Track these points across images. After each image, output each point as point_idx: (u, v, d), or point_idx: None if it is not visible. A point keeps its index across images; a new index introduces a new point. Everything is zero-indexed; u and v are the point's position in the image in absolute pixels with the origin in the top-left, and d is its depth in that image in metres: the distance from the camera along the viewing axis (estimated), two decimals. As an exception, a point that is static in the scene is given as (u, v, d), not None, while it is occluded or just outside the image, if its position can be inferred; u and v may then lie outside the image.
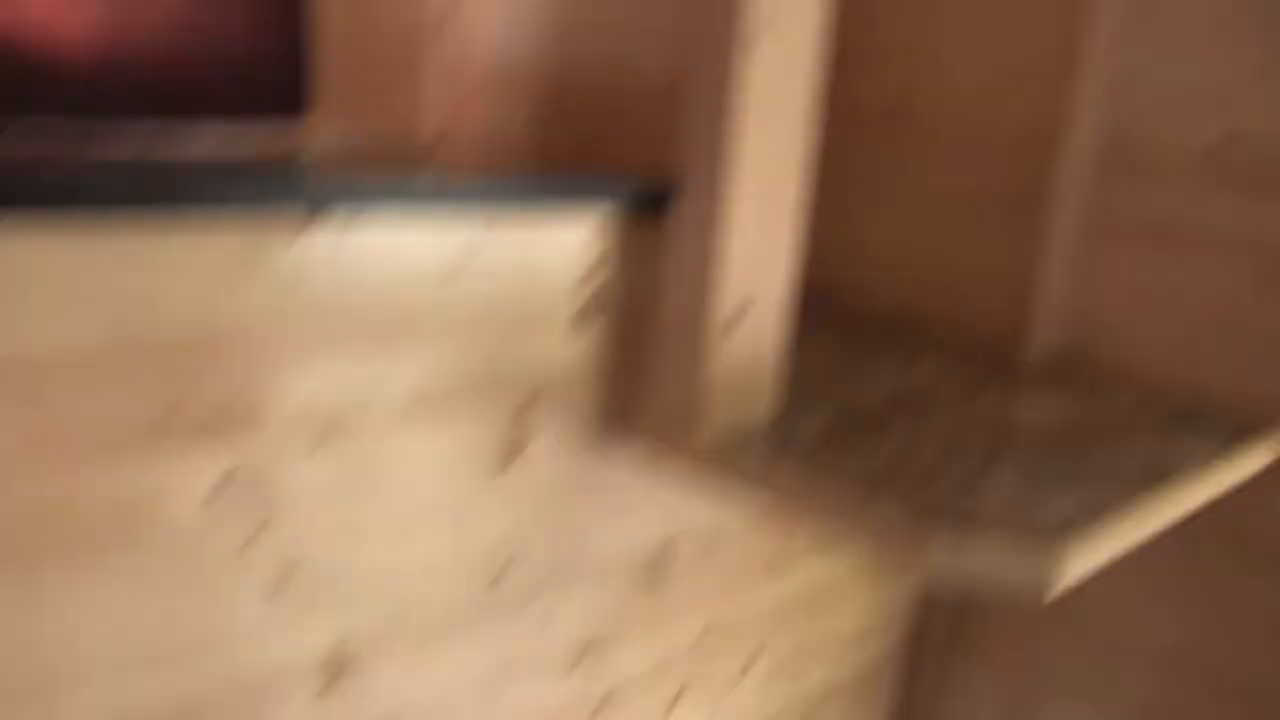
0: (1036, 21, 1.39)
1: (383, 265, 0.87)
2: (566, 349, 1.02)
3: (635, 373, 1.07)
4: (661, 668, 1.29)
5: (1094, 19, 1.34)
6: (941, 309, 1.51)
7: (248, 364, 0.81)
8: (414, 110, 1.50)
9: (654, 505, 1.18)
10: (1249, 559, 1.34)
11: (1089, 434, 1.13)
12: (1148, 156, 1.35)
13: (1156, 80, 1.34)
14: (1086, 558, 0.85)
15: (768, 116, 0.95)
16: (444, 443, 0.95)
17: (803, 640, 1.51)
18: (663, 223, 1.01)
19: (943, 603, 1.76)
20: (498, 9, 1.51)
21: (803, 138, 0.99)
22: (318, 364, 0.85)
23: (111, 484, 0.76)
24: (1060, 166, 1.38)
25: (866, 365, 1.31)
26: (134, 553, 0.79)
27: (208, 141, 1.31)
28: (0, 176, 0.68)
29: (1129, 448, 1.10)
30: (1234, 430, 1.20)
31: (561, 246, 1.00)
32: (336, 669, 0.96)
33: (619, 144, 1.40)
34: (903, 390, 1.21)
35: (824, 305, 1.60)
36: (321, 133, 1.41)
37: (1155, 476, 1.01)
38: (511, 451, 1.01)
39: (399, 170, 1.14)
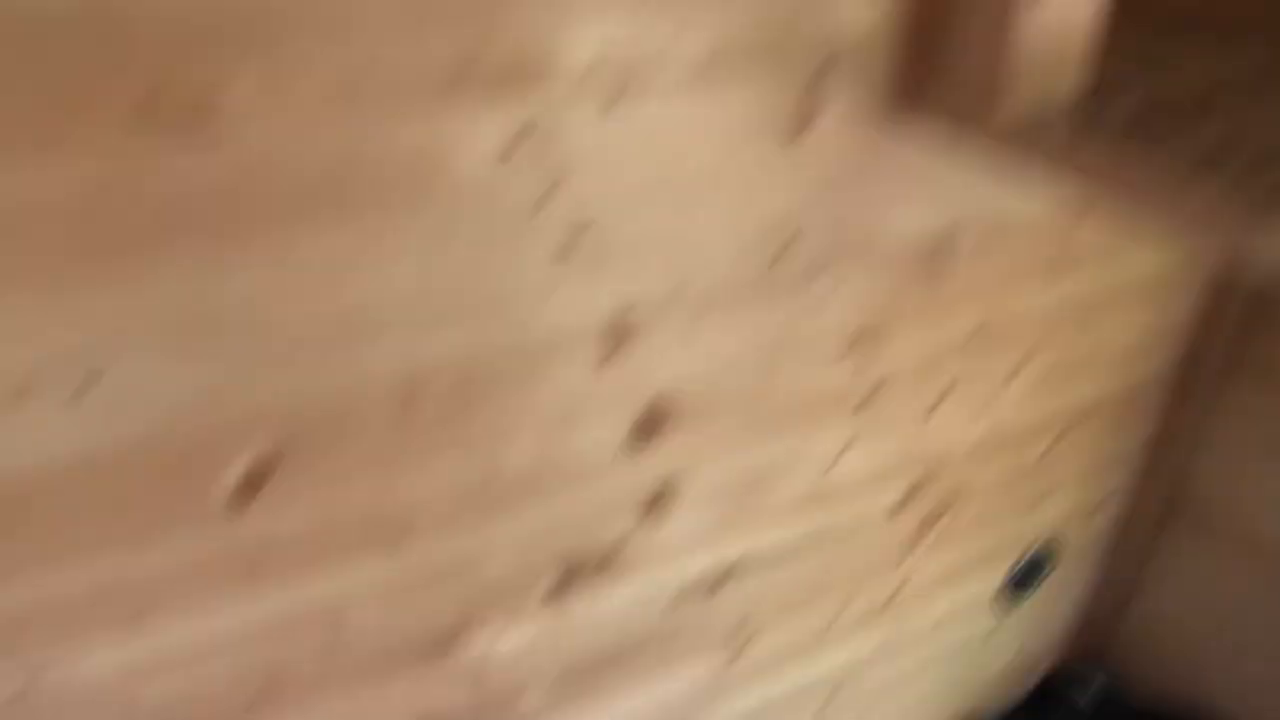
0: None
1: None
2: (869, 9, 0.93)
3: (936, 43, 0.96)
4: (930, 364, 1.25)
5: None
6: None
7: (543, 13, 0.76)
8: None
9: (943, 188, 1.10)
10: None
11: None
12: None
13: None
14: None
15: None
16: (735, 109, 0.90)
17: (1071, 352, 1.44)
18: None
19: (1225, 325, 1.65)
20: None
21: None
22: (610, 16, 0.79)
23: (414, 134, 0.75)
24: None
25: (1185, 50, 1.15)
26: (433, 208, 0.79)
27: None
28: None
29: None
30: None
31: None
32: (618, 338, 0.97)
33: None
34: (1228, 74, 1.05)
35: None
36: None
37: None
38: (802, 123, 0.95)
39: None
